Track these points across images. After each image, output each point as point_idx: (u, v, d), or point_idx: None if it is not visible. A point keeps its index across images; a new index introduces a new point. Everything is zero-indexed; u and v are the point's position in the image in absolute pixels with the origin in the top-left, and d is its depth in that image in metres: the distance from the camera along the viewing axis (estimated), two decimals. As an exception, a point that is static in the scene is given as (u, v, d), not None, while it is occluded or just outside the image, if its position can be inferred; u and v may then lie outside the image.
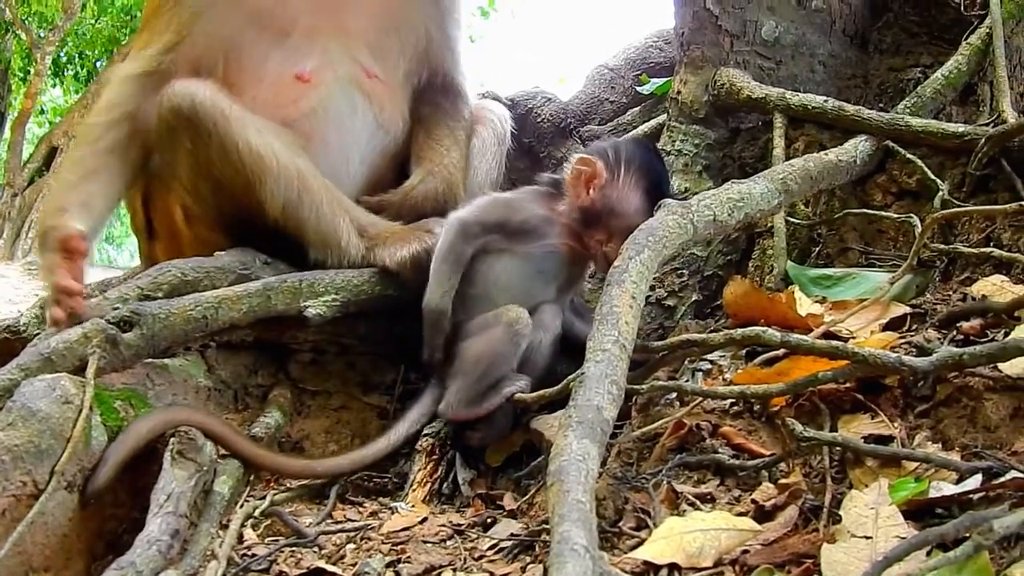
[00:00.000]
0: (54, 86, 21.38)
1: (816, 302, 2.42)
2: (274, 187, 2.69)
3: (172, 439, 2.05)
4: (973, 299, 2.22)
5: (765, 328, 2.02)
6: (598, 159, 2.51)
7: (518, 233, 2.54)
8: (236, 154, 2.67)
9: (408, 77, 3.19)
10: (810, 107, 2.90)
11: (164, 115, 2.72)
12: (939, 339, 2.04)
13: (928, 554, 1.35)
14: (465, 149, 3.21)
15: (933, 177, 2.65)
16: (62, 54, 19.82)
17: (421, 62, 3.20)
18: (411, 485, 2.39)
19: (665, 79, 4.10)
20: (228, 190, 2.73)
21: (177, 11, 2.87)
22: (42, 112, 21.93)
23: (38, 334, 2.49)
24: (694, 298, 2.89)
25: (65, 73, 20.36)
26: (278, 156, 2.71)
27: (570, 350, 2.52)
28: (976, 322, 2.06)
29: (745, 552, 1.58)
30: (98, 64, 19.85)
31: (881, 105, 2.99)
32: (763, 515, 1.70)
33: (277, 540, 2.06)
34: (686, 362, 2.33)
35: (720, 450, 1.94)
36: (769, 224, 2.78)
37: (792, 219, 2.82)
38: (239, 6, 2.91)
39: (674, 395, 2.16)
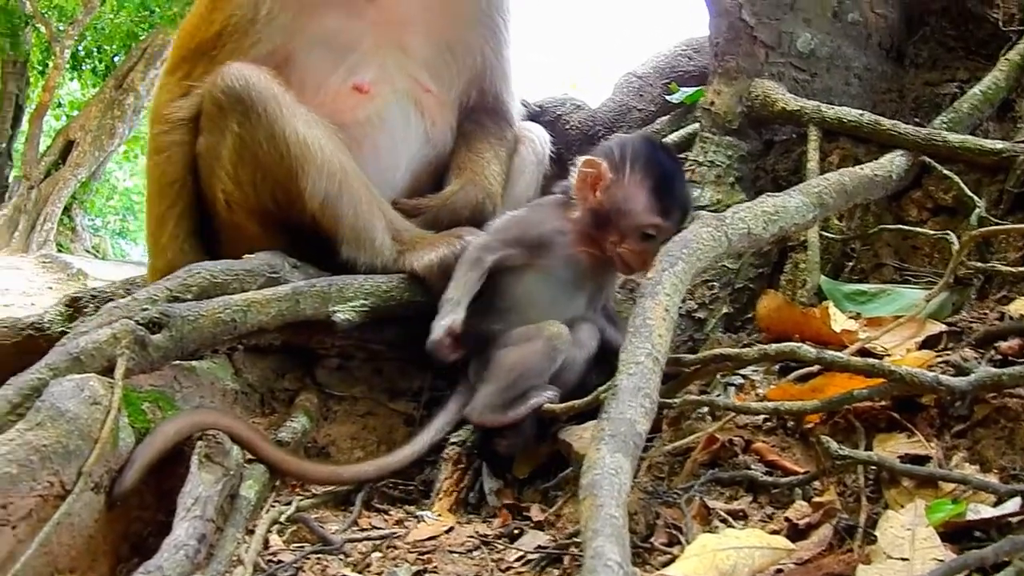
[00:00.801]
0: (72, 80, 21.70)
1: (850, 318, 2.39)
2: (316, 178, 2.70)
3: (199, 442, 2.05)
4: (1011, 318, 2.18)
5: (800, 344, 2.00)
6: (602, 159, 2.50)
7: (537, 247, 2.53)
8: (283, 141, 2.69)
9: (460, 95, 3.25)
10: (845, 120, 2.86)
11: (216, 95, 2.76)
12: (976, 358, 2.01)
13: (968, 578, 1.33)
14: (506, 165, 3.26)
15: (970, 193, 2.60)
16: (80, 48, 20.09)
17: (473, 82, 3.26)
18: (437, 493, 2.38)
19: (695, 88, 4.07)
20: (270, 177, 2.75)
21: (243, 28, 2.89)
22: (59, 105, 22.27)
23: (63, 331, 2.49)
24: (724, 311, 2.86)
25: (83, 67, 20.67)
26: (323, 149, 2.73)
27: (600, 357, 2.52)
28: (1015, 342, 2.02)
29: (779, 571, 1.57)
30: (116, 59, 20.08)
31: (916, 120, 2.95)
32: (797, 533, 1.69)
33: (303, 547, 2.06)
34: (718, 376, 2.31)
35: (753, 466, 1.92)
36: (802, 238, 2.74)
37: (826, 233, 2.79)
38: (307, 26, 2.94)
39: (706, 409, 2.14)
